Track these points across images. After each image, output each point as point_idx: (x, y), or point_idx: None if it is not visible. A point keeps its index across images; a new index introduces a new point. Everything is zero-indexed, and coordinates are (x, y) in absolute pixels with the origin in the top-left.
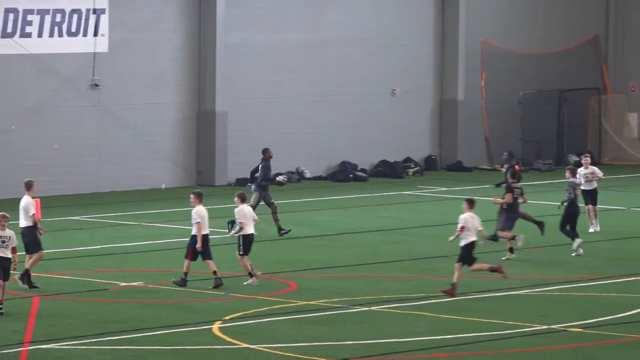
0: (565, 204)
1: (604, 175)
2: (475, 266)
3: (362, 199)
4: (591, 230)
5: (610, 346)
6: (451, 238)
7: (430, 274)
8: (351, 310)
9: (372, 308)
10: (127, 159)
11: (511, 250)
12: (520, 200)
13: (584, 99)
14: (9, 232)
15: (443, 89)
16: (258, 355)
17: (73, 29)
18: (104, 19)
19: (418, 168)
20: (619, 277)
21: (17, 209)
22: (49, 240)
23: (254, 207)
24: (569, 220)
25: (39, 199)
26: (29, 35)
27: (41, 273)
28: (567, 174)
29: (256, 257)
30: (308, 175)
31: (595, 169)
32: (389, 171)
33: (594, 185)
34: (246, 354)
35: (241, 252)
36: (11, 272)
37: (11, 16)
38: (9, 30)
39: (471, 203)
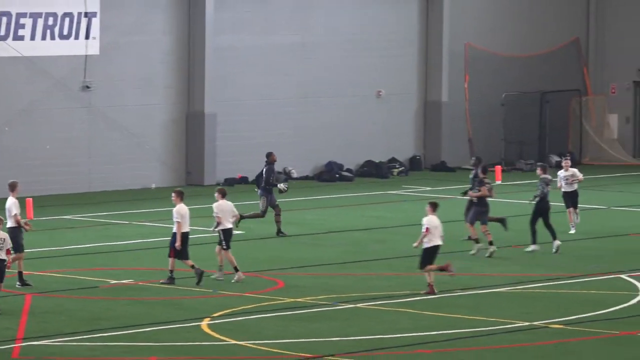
0: (537, 199)
1: (584, 176)
2: (429, 267)
3: (348, 199)
4: (572, 231)
5: (591, 342)
6: (415, 244)
7: (415, 271)
8: (337, 308)
9: (358, 305)
10: (118, 159)
11: (477, 241)
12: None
13: (565, 100)
14: (3, 234)
15: (427, 91)
16: (246, 351)
17: (65, 32)
18: (95, 22)
19: (403, 168)
20: (599, 274)
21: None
22: (42, 238)
23: (264, 212)
24: (540, 216)
25: (30, 199)
26: (21, 38)
27: (34, 271)
28: (539, 170)
29: (245, 254)
30: (295, 175)
31: (576, 171)
32: (374, 171)
33: (575, 187)
34: (234, 350)
35: (224, 247)
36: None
37: (4, 19)
38: (2, 33)
39: (434, 206)
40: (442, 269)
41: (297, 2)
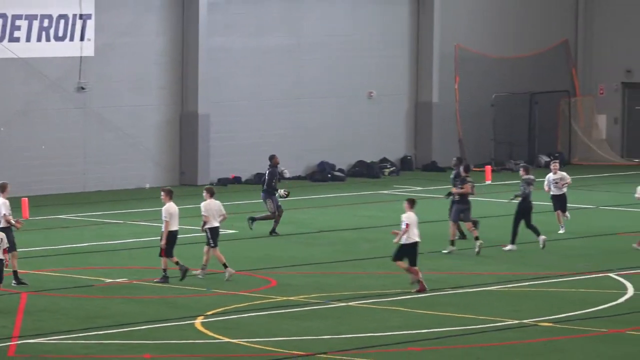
0: (518, 198)
1: (573, 176)
2: (399, 262)
3: (340, 198)
4: (561, 231)
5: (579, 340)
6: (395, 240)
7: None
8: (329, 306)
9: (350, 304)
10: (112, 159)
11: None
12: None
13: (554, 101)
14: (0, 234)
15: (418, 92)
16: (239, 349)
17: (60, 34)
18: (90, 24)
19: (394, 168)
20: (587, 273)
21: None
22: (37, 238)
23: (274, 213)
24: (523, 216)
25: (26, 199)
26: (17, 39)
27: (29, 270)
28: (521, 171)
29: (238, 253)
30: (288, 175)
31: (564, 174)
32: (366, 171)
33: (564, 191)
34: (227, 347)
35: (212, 245)
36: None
37: (0, 21)
38: None
39: (412, 203)
40: (409, 271)
41: (289, 4)
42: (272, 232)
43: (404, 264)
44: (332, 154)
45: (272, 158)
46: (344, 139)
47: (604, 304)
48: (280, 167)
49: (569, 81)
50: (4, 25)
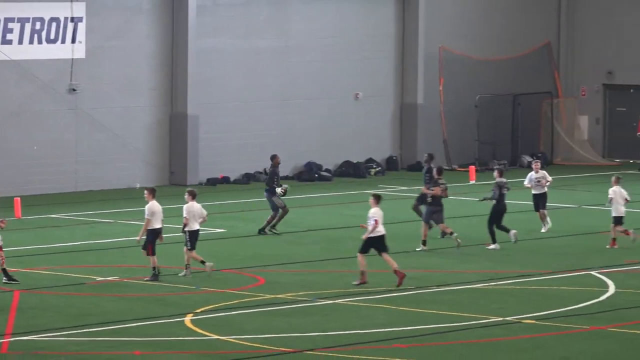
0: (485, 200)
1: (556, 176)
2: (387, 257)
3: (326, 198)
4: (543, 230)
5: (562, 336)
6: (364, 236)
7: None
8: (317, 303)
9: (337, 301)
10: (103, 159)
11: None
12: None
13: (537, 102)
14: None
15: (403, 93)
16: (228, 345)
17: (52, 37)
18: (81, 26)
19: (380, 168)
20: (570, 271)
21: None
22: (30, 237)
23: (284, 207)
24: (497, 219)
25: (19, 198)
26: (9, 42)
27: (22, 268)
28: (496, 173)
29: (226, 252)
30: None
31: (545, 173)
32: (352, 171)
33: (544, 190)
34: (217, 344)
35: (189, 247)
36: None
37: None
38: None
39: (378, 198)
40: (363, 274)
41: (276, 7)
42: (261, 231)
43: (365, 261)
44: (319, 154)
45: (273, 158)
46: (331, 140)
47: (586, 302)
48: (268, 168)
49: (551, 83)
50: None
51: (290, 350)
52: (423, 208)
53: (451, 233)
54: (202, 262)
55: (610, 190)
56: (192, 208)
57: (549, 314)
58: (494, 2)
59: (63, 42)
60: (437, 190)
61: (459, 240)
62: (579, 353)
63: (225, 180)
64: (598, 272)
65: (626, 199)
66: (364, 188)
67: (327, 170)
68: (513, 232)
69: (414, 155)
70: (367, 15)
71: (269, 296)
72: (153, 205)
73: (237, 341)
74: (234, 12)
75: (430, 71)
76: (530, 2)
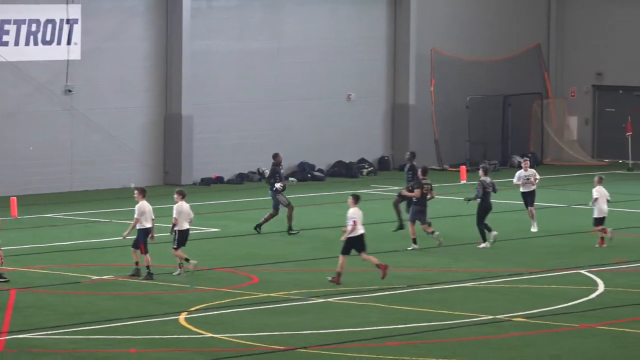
0: (470, 201)
1: (545, 176)
2: (365, 256)
3: (319, 197)
4: (533, 229)
5: (552, 334)
6: (343, 238)
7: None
8: (309, 302)
9: (329, 299)
10: (98, 159)
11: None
12: (428, 196)
13: (527, 103)
14: None
15: (395, 94)
16: (222, 343)
17: (48, 38)
18: (77, 28)
19: (372, 168)
20: (559, 270)
21: None
22: (26, 236)
23: (289, 204)
24: (484, 216)
25: (15, 198)
26: (6, 44)
27: (18, 267)
28: (480, 172)
29: (220, 251)
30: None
31: (534, 171)
32: (344, 171)
33: (533, 188)
34: (211, 342)
35: (175, 246)
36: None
37: None
38: None
39: (357, 198)
40: (339, 274)
41: (270, 9)
42: (257, 227)
43: (345, 263)
44: (311, 154)
45: (275, 156)
46: (324, 140)
47: (576, 300)
48: (262, 168)
49: (541, 84)
50: None
51: (283, 348)
52: (403, 205)
53: (432, 232)
54: (187, 260)
55: (594, 191)
56: (182, 208)
57: (539, 312)
58: (485, 5)
59: (59, 43)
60: (417, 193)
61: (440, 240)
62: (569, 351)
63: (219, 180)
64: (587, 271)
65: (607, 200)
66: (356, 188)
67: (319, 170)
68: (494, 233)
69: (405, 155)
70: (360, 18)
71: (262, 295)
72: (143, 205)
73: (231, 339)
74: (228, 14)
75: (421, 72)
76: (521, 5)
